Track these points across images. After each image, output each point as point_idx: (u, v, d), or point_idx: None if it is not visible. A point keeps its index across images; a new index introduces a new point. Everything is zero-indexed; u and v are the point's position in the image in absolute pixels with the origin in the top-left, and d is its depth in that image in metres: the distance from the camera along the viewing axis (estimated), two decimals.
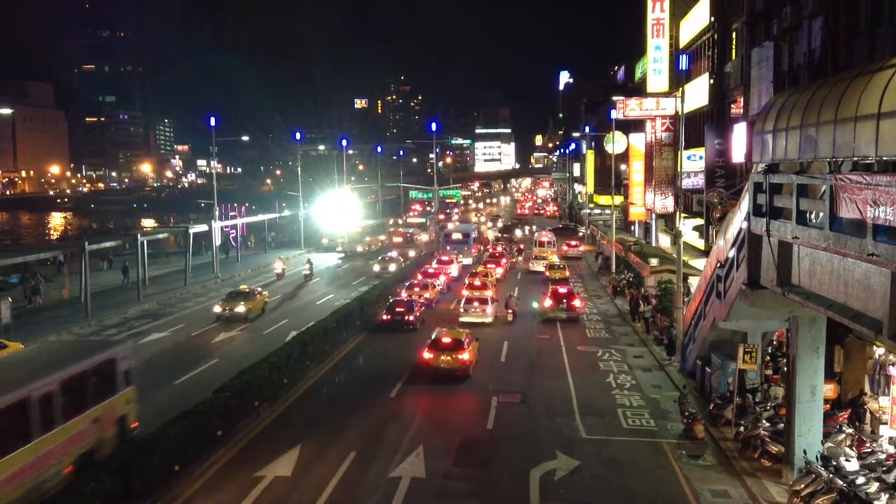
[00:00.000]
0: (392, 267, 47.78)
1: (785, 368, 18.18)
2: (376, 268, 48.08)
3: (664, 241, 48.04)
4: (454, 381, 23.55)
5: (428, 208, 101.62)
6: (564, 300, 33.69)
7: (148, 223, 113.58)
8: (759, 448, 16.78)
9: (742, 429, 17.63)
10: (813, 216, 13.06)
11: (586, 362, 26.53)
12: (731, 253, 18.57)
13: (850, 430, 16.12)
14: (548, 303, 33.97)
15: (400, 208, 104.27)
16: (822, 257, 12.80)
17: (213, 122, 55.32)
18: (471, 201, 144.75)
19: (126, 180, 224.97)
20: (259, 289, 37.03)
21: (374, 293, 35.65)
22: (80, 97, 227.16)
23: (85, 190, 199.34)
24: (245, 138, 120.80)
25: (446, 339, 24.29)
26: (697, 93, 38.89)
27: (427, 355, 23.93)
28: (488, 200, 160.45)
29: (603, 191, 72.66)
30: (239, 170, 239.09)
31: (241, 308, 33.21)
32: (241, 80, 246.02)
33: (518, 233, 77.38)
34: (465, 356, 23.72)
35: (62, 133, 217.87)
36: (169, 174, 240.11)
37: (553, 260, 50.50)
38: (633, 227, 62.76)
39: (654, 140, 43.78)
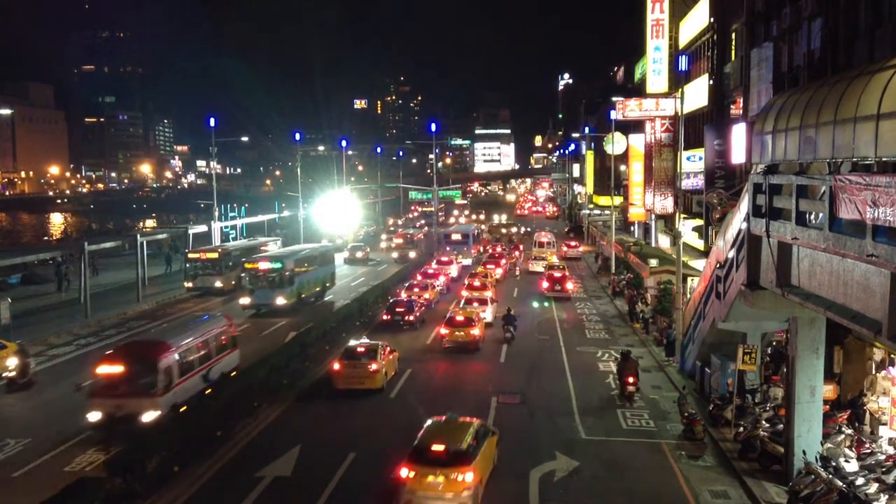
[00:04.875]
0: None
1: (784, 369, 18.17)
2: None
3: (664, 241, 48.02)
4: (460, 376, 23.95)
5: (398, 221, 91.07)
6: (559, 284, 40.48)
7: (148, 223, 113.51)
8: (759, 449, 16.78)
9: (741, 429, 17.62)
10: (812, 217, 13.05)
11: (586, 363, 26.54)
12: (731, 254, 18.56)
13: (849, 431, 16.10)
14: (545, 285, 40.90)
15: (399, 209, 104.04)
16: (822, 258, 12.79)
17: (212, 122, 55.31)
18: (455, 211, 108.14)
19: (126, 181, 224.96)
20: None
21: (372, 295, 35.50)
22: (79, 97, 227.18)
23: (84, 190, 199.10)
24: (245, 139, 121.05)
25: (460, 318, 28.40)
26: (697, 93, 38.88)
27: (444, 330, 27.90)
28: (474, 216, 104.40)
29: (602, 191, 72.66)
30: (238, 170, 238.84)
31: None
32: (241, 81, 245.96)
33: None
34: (475, 331, 27.80)
35: (62, 133, 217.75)
36: (168, 175, 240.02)
37: (552, 261, 50.47)
38: (632, 228, 62.75)
39: (654, 141, 43.80)
